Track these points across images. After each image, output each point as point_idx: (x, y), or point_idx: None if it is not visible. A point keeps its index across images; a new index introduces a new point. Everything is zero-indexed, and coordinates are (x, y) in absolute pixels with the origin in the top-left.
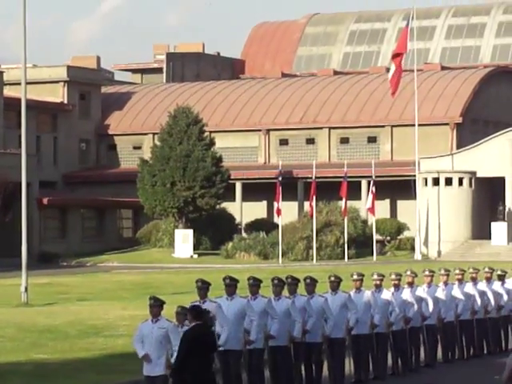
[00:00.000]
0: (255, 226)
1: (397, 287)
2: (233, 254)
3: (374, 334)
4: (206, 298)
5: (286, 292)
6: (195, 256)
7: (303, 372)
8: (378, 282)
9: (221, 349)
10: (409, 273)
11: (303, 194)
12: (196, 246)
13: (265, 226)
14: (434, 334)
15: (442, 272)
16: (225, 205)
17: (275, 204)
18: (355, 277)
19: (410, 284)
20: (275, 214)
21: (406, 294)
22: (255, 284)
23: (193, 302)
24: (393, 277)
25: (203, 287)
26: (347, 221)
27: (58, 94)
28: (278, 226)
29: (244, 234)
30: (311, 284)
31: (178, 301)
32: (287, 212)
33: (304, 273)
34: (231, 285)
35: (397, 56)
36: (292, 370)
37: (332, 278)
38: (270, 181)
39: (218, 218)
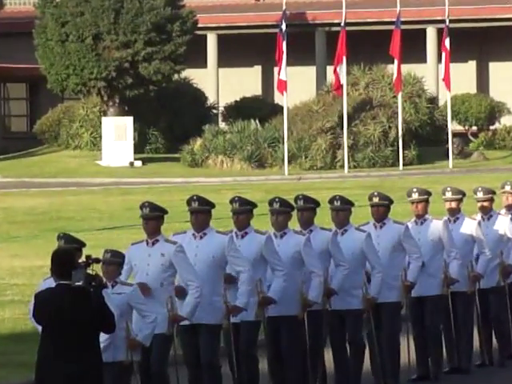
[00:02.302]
0: (242, 109)
1: (486, 213)
2: (203, 158)
3: (448, 295)
4: (157, 235)
5: (295, 224)
6: (138, 163)
7: (326, 360)
8: (453, 205)
9: (186, 323)
10: (508, 188)
11: (325, 54)
12: (139, 147)
13: (259, 109)
14: None
15: None
16: (189, 74)
17: (277, 71)
18: (415, 196)
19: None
20: (276, 90)
21: (504, 225)
22: (244, 210)
23: (134, 241)
24: (480, 195)
25: (153, 217)
26: (402, 99)
27: None
28: (281, 109)
29: (223, 125)
30: (343, 209)
31: (109, 241)
32: (298, 85)
33: (327, 191)
34: (202, 212)
35: None
36: (305, 356)
37: (376, 199)
38: (266, 31)
39: (177, 97)
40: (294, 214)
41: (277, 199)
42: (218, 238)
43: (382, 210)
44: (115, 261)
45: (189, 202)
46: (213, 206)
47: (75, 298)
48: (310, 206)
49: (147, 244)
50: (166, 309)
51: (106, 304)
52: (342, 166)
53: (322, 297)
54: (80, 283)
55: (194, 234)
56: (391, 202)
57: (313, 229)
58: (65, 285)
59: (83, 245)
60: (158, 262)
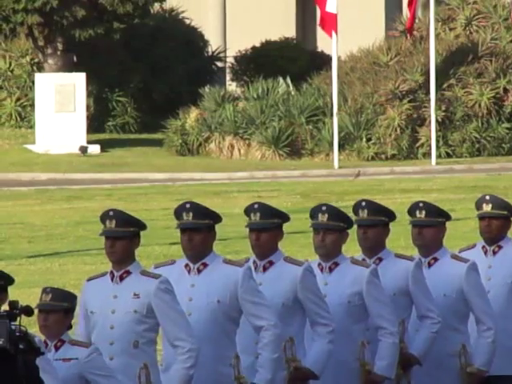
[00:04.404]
0: (264, 62)
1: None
2: (201, 141)
3: None
4: (129, 265)
5: (353, 250)
6: (94, 149)
7: None
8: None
9: None
10: None
11: None
12: (97, 122)
13: (291, 61)
14: None
15: None
16: (178, 3)
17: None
18: None
19: None
20: (320, 29)
21: None
22: (268, 225)
23: (92, 276)
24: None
25: (123, 235)
26: None
27: None
28: (328, 61)
29: (232, 86)
30: (430, 224)
31: (47, 275)
32: (355, 23)
33: (404, 194)
34: (199, 229)
35: None
36: None
37: (487, 208)
38: None
39: (158, 42)
40: (352, 232)
41: (324, 207)
42: (227, 272)
43: (497, 224)
44: (60, 306)
45: (178, 213)
46: (217, 218)
47: None
48: (378, 219)
49: (112, 279)
50: None
51: (41, 380)
52: (428, 155)
53: (396, 369)
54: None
55: (187, 266)
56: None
57: (383, 257)
58: None
59: (10, 281)
60: (130, 307)
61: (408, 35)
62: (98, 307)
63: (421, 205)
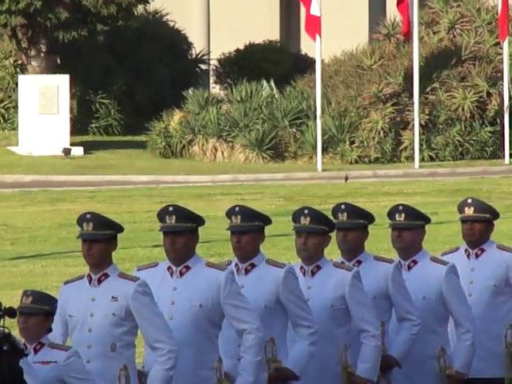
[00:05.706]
0: (248, 64)
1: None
2: (185, 144)
3: None
4: (106, 268)
5: (333, 252)
6: (77, 151)
7: None
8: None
9: None
10: None
11: None
12: (80, 124)
13: (275, 64)
14: None
15: None
16: (162, 5)
17: (304, 3)
18: None
19: None
20: (304, 32)
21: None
22: (250, 228)
23: (69, 279)
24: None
25: (100, 238)
26: (511, 49)
27: None
28: (312, 64)
29: (216, 89)
30: (410, 227)
31: (29, 278)
32: (338, 26)
33: (387, 197)
34: (182, 232)
35: None
36: None
37: (469, 211)
38: None
39: (142, 44)
40: (334, 235)
41: (306, 211)
42: (210, 276)
43: (479, 227)
44: (40, 309)
45: (161, 216)
46: (200, 221)
47: None
48: (357, 222)
49: (90, 282)
50: None
51: (25, 381)
52: (411, 158)
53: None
54: None
55: (169, 268)
56: (495, 215)
57: (363, 259)
58: None
59: None
60: (108, 310)
61: (405, 38)
62: (77, 310)
63: (400, 208)
